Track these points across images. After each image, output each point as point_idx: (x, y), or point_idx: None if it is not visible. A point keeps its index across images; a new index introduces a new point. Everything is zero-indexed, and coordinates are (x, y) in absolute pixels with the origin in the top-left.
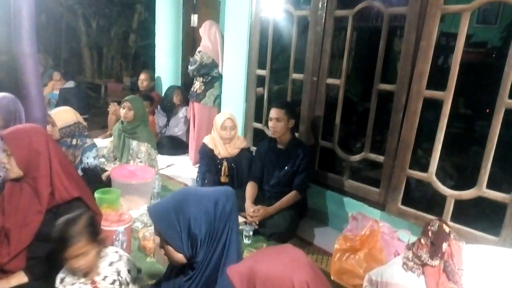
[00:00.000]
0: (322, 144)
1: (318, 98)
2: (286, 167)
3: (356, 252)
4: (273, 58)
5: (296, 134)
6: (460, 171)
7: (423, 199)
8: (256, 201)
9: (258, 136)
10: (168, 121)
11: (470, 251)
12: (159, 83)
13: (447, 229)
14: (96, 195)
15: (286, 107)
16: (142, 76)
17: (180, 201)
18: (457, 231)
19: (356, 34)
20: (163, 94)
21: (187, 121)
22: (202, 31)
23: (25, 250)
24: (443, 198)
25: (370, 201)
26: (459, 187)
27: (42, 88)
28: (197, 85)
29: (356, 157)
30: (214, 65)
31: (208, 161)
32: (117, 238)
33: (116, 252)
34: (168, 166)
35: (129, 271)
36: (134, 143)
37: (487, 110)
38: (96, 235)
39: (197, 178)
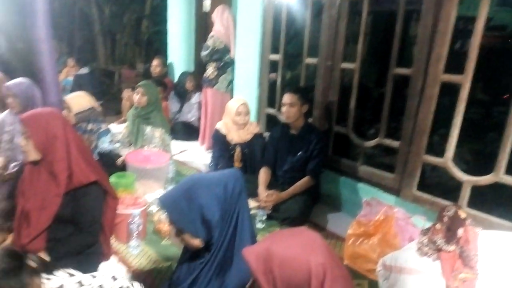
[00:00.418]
0: (336, 129)
1: (332, 83)
2: (299, 153)
3: (370, 237)
4: (286, 42)
5: (310, 120)
6: (477, 157)
7: (438, 185)
8: (269, 187)
9: (271, 121)
10: (181, 107)
11: (487, 237)
12: (172, 69)
13: (463, 215)
14: (112, 179)
15: (299, 92)
16: (155, 62)
17: (190, 189)
18: (473, 217)
19: (371, 18)
20: (176, 80)
21: (200, 107)
22: (215, 16)
23: (45, 232)
24: (459, 184)
25: (384, 187)
26: (476, 173)
27: (57, 74)
28: (210, 70)
29: (371, 143)
30: (226, 50)
31: (221, 146)
32: (133, 221)
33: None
34: (181, 151)
35: None
36: (148, 129)
37: (506, 96)
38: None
39: (210, 164)
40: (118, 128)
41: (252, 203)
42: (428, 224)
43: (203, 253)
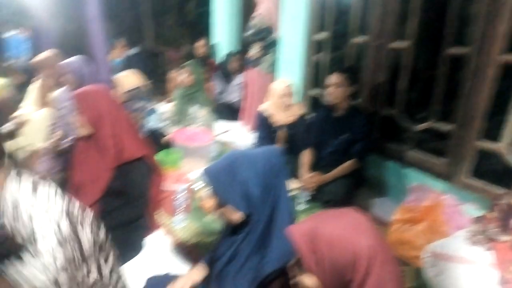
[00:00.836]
0: (384, 112)
1: (381, 63)
2: (343, 136)
3: (416, 223)
4: (334, 21)
5: (356, 102)
6: None
7: (492, 172)
8: (312, 169)
9: (315, 103)
10: (225, 87)
11: None
12: (216, 50)
13: None
14: (160, 156)
15: (347, 72)
16: (199, 43)
17: (233, 163)
18: None
19: None
20: (220, 61)
21: (242, 88)
22: None
23: (96, 204)
24: None
25: (433, 172)
26: None
27: (107, 52)
28: (254, 51)
29: (422, 126)
30: (270, 30)
31: (265, 128)
32: (178, 197)
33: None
34: (224, 132)
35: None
36: (194, 108)
37: None
38: None
39: (254, 145)
40: (165, 107)
41: (295, 184)
42: (479, 213)
43: (243, 228)
